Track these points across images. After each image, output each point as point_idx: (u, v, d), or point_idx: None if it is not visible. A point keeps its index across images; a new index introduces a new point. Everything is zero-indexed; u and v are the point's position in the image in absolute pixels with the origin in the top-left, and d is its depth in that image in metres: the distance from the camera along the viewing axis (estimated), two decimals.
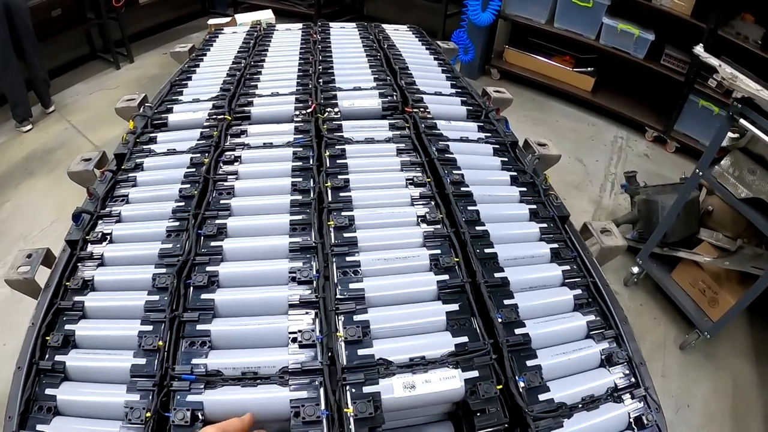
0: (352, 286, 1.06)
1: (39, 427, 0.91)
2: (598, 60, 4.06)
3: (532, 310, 1.09)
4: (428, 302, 1.06)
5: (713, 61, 2.15)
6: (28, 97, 3.91)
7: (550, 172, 3.63)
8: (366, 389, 0.89)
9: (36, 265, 1.38)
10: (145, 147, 1.62)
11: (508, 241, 1.24)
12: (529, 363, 0.98)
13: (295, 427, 0.85)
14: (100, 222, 1.34)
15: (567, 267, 1.22)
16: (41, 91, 4.04)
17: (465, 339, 0.98)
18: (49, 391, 0.95)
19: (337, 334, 0.97)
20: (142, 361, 0.97)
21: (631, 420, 0.95)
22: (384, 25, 2.56)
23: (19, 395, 0.95)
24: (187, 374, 0.93)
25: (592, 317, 1.12)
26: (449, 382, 0.91)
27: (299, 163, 1.43)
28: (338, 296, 1.03)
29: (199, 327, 1.02)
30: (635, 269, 2.85)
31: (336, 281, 1.07)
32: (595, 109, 4.16)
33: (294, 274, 1.09)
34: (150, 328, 1.02)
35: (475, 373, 0.93)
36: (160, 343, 0.98)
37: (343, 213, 1.23)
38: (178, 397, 0.91)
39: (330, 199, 1.28)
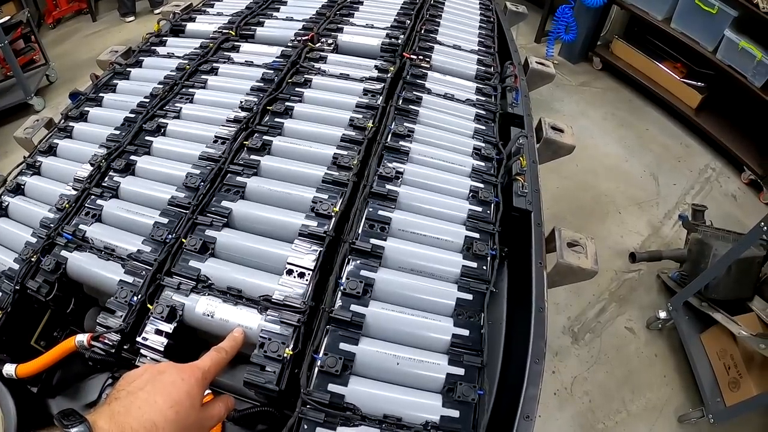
0: (224, 203, 1.04)
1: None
2: (712, 77, 3.43)
3: (392, 294, 0.95)
4: (282, 243, 1.00)
5: None
6: None
7: (617, 180, 3.28)
8: (175, 297, 0.91)
9: (38, 129, 1.60)
10: (152, 48, 1.72)
11: (419, 211, 1.10)
12: (344, 346, 0.85)
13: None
14: (86, 103, 1.48)
15: (473, 264, 1.03)
16: None
17: (289, 290, 0.91)
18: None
19: (182, 240, 0.98)
20: (51, 215, 1.12)
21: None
22: None
23: None
24: (67, 234, 1.05)
25: (465, 332, 0.92)
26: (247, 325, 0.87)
27: (260, 84, 1.41)
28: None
29: (99, 201, 1.13)
30: (662, 314, 2.47)
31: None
32: (693, 129, 3.57)
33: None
34: (70, 192, 1.17)
35: (276, 328, 0.86)
36: (67, 205, 1.12)
37: (264, 136, 1.21)
38: (55, 249, 1.04)
39: (263, 120, 1.26)
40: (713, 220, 2.59)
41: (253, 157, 1.16)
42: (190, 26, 1.81)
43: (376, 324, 0.89)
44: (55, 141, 1.36)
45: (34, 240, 1.08)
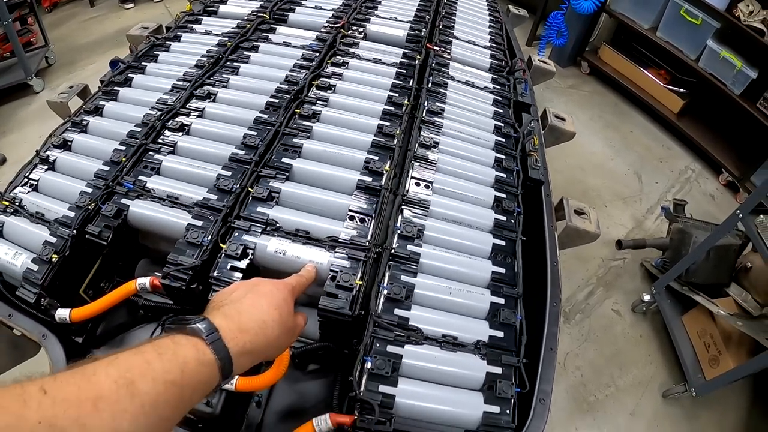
0: (284, 159, 1.16)
1: (18, 194, 1.15)
2: (694, 84, 3.69)
3: (439, 237, 1.08)
4: (342, 194, 1.12)
5: None
6: None
7: (603, 177, 3.51)
8: (246, 237, 1.00)
9: (72, 94, 1.67)
10: (189, 25, 1.81)
11: (455, 174, 1.24)
12: (405, 278, 0.98)
13: (179, 245, 0.97)
14: (128, 71, 1.55)
15: (503, 217, 1.18)
16: None
17: (353, 233, 1.02)
18: (35, 174, 1.20)
19: (249, 189, 1.07)
20: (106, 168, 1.19)
21: (485, 383, 0.89)
22: None
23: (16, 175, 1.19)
24: (128, 183, 1.12)
25: (502, 270, 1.07)
26: (317, 261, 0.96)
27: (302, 62, 1.52)
28: (267, 163, 1.13)
29: (157, 156, 1.21)
30: (647, 297, 2.67)
31: (272, 153, 1.17)
32: (675, 132, 3.82)
33: (244, 140, 1.21)
34: (123, 148, 1.24)
35: (345, 263, 0.97)
36: (123, 159, 1.19)
37: (313, 107, 1.33)
38: (115, 197, 1.10)
39: (309, 94, 1.38)
40: (684, 213, 2.82)
41: (305, 123, 1.27)
42: (223, 8, 1.91)
43: (429, 261, 1.02)
44: (101, 103, 1.42)
45: (89, 190, 1.13)
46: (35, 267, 1.01)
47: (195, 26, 1.80)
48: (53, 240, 1.04)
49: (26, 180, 1.19)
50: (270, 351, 0.71)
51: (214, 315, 0.67)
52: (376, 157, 1.18)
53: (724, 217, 3.20)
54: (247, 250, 0.99)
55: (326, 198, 1.09)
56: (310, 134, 1.25)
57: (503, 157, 1.35)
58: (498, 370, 0.91)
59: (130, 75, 1.54)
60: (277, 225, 1.01)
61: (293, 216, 1.04)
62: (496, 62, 1.78)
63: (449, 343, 0.91)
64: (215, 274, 0.96)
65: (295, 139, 1.21)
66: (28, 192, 1.16)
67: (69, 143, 1.29)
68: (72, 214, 1.08)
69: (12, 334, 1.06)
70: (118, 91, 1.48)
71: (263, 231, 1.00)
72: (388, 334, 0.89)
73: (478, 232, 1.15)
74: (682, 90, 3.76)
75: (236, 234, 0.99)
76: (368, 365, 0.85)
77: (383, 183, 1.13)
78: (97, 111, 1.40)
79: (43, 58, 3.87)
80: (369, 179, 1.13)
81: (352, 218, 1.05)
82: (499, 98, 1.59)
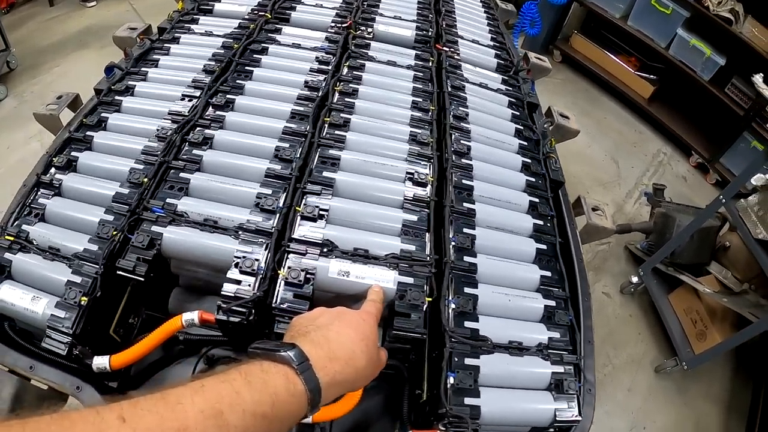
0: (325, 174, 1.12)
1: (24, 226, 1.01)
2: (664, 71, 3.86)
3: (489, 246, 1.11)
4: (391, 207, 1.10)
5: None
6: None
7: (583, 164, 3.65)
8: (304, 261, 0.95)
9: (63, 105, 1.54)
10: (186, 25, 1.71)
11: (491, 181, 1.26)
12: (468, 290, 1.00)
13: (232, 274, 0.92)
14: (128, 77, 1.45)
15: (540, 222, 1.23)
16: None
17: (412, 248, 1.01)
18: (41, 201, 1.07)
19: (296, 208, 1.03)
20: (125, 191, 1.08)
21: (552, 381, 0.95)
22: None
23: (18, 201, 1.06)
24: (157, 207, 1.03)
25: (548, 274, 1.12)
26: (383, 281, 0.94)
27: (318, 66, 1.48)
28: (309, 178, 1.10)
29: (182, 175, 1.13)
30: (635, 279, 2.81)
31: (312, 167, 1.13)
32: (646, 117, 4.00)
33: (278, 152, 1.17)
34: (141, 167, 1.14)
35: (410, 280, 0.96)
36: (145, 179, 1.10)
37: (341, 114, 1.28)
38: (144, 225, 1.01)
39: (334, 100, 1.33)
40: (664, 197, 2.97)
41: (338, 132, 1.24)
42: (218, 6, 1.82)
43: (485, 271, 1.04)
44: (104, 114, 1.30)
45: (110, 218, 1.02)
46: (62, 313, 0.90)
47: (193, 26, 1.70)
48: (77, 279, 0.93)
49: (29, 209, 1.05)
50: (357, 383, 0.70)
51: (302, 342, 0.64)
52: (417, 167, 1.17)
53: (697, 198, 3.43)
54: (310, 274, 0.94)
55: (377, 212, 1.07)
56: (344, 144, 1.22)
57: (529, 160, 1.38)
58: (561, 369, 0.97)
59: (130, 83, 1.44)
60: (334, 245, 0.98)
61: (347, 234, 1.01)
62: (502, 62, 1.80)
63: (516, 348, 0.96)
64: (281, 304, 0.90)
65: (331, 151, 1.18)
66: (35, 223, 1.03)
67: (74, 163, 1.16)
68: (94, 247, 0.97)
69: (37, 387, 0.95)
70: (121, 101, 1.35)
71: (321, 253, 0.97)
72: (464, 348, 0.91)
73: (520, 237, 1.17)
74: (651, 76, 3.92)
75: (292, 258, 0.96)
76: (451, 380, 0.87)
77: (430, 193, 1.12)
78: (101, 125, 1.27)
79: (5, 63, 3.55)
80: (417, 190, 1.12)
81: (406, 233, 1.04)
82: (513, 100, 1.60)
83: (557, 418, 0.92)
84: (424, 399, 1.01)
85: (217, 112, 1.30)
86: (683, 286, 2.62)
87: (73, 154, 1.17)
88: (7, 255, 0.97)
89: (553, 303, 1.07)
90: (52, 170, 1.14)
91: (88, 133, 1.23)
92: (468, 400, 0.86)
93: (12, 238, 0.99)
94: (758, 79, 2.15)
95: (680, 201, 3.20)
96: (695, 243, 2.59)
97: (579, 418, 0.93)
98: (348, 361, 0.66)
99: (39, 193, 1.09)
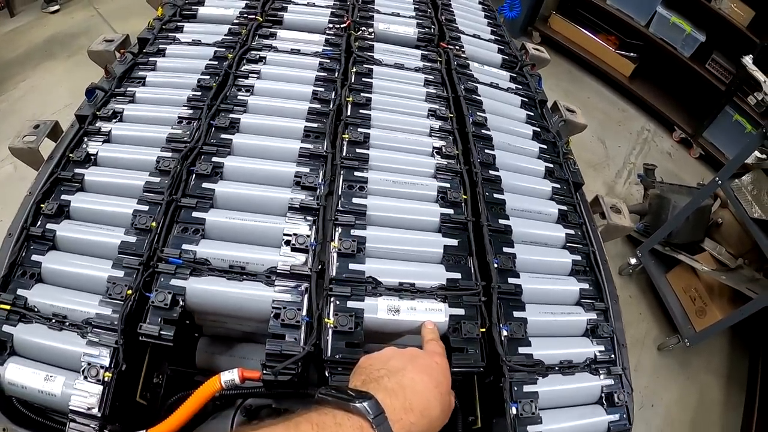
0: (355, 200, 1.04)
1: (19, 291, 0.88)
2: (644, 48, 3.88)
3: (529, 263, 1.07)
4: (428, 232, 1.05)
5: (759, 76, 2.06)
6: None
7: (573, 147, 3.62)
8: (350, 304, 0.88)
9: (42, 136, 1.34)
10: (170, 35, 1.57)
11: (518, 192, 1.21)
12: (516, 314, 0.97)
13: (273, 328, 0.84)
14: (112, 100, 1.30)
15: (572, 231, 1.19)
16: None
17: (458, 276, 0.96)
18: (35, 258, 0.92)
19: (332, 244, 0.96)
20: (132, 239, 0.94)
21: (603, 395, 0.97)
22: None
23: (6, 260, 0.91)
24: (174, 258, 0.91)
25: (586, 286, 1.10)
26: (434, 314, 0.90)
27: (324, 74, 1.38)
28: (339, 207, 1.02)
29: (195, 214, 0.99)
30: (633, 260, 2.84)
31: (340, 193, 1.05)
32: (628, 95, 4.03)
33: (299, 179, 1.07)
34: (146, 208, 1.00)
35: (461, 311, 0.92)
36: (153, 223, 0.96)
37: (359, 129, 1.20)
38: (162, 279, 0.88)
39: (349, 113, 1.24)
40: (655, 177, 3.01)
41: (223, 136, 1.15)
42: (202, 10, 1.68)
43: (529, 291, 1.01)
44: (92, 149, 1.13)
45: (119, 273, 0.89)
46: (85, 394, 0.79)
47: (178, 35, 1.56)
48: (94, 352, 0.82)
49: (23, 269, 0.91)
50: None
51: (376, 389, 0.62)
52: (447, 185, 1.11)
53: (682, 173, 3.48)
54: (359, 318, 0.87)
55: (417, 238, 1.01)
56: (368, 163, 1.14)
57: (551, 165, 1.34)
58: (609, 381, 0.98)
59: (117, 106, 1.29)
60: (377, 281, 0.92)
61: (388, 266, 0.95)
62: (506, 57, 1.74)
63: (567, 367, 0.95)
64: (334, 356, 0.83)
65: (356, 173, 1.10)
66: (32, 286, 0.89)
67: (66, 208, 1.00)
68: (107, 310, 0.85)
69: None
70: (109, 129, 1.19)
71: (366, 292, 0.90)
72: (522, 377, 0.89)
73: (556, 250, 1.14)
74: (632, 54, 3.93)
75: (338, 302, 0.88)
76: (513, 411, 0.85)
77: (465, 213, 1.06)
78: (90, 159, 1.11)
79: None
80: (451, 212, 1.06)
81: (448, 259, 0.98)
82: (525, 99, 1.55)
83: (611, 430, 0.94)
84: (479, 426, 0.98)
85: (222, 136, 1.19)
86: (681, 265, 2.67)
87: (63, 197, 1.01)
88: (7, 328, 0.84)
89: (594, 316, 1.06)
90: (41, 219, 0.98)
91: (77, 170, 1.07)
92: (531, 429, 0.85)
93: (8, 307, 0.85)
94: (748, 60, 2.16)
95: (666, 177, 3.26)
96: (691, 222, 2.63)
97: (630, 427, 0.95)
98: (423, 411, 0.63)
99: (30, 248, 0.93)
